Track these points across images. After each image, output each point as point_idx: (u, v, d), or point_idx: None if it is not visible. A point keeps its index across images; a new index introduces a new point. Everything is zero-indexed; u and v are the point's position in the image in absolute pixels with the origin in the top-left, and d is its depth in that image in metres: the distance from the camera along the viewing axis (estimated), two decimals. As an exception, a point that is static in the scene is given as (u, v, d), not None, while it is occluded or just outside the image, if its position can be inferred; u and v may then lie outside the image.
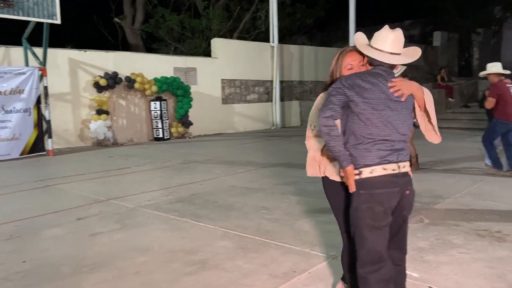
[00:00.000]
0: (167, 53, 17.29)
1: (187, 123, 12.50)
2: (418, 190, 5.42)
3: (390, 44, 2.17)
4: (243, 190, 5.75)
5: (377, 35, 2.25)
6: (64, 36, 16.02)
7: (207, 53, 15.33)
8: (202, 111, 12.93)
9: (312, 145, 2.45)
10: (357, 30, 13.92)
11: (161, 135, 12.00)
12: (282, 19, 17.51)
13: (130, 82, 11.44)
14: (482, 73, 6.60)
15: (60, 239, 3.99)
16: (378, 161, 2.11)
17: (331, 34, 28.68)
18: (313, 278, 2.99)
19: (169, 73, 12.44)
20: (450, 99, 15.62)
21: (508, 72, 6.37)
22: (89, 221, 4.52)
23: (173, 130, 12.36)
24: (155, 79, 11.95)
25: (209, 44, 15.16)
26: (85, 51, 11.22)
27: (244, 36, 18.08)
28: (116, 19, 18.86)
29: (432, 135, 2.35)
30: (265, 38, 16.14)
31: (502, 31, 26.38)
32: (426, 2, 23.58)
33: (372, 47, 2.22)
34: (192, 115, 12.48)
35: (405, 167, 2.16)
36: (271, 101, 15.44)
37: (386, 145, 2.12)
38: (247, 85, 14.72)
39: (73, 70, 10.88)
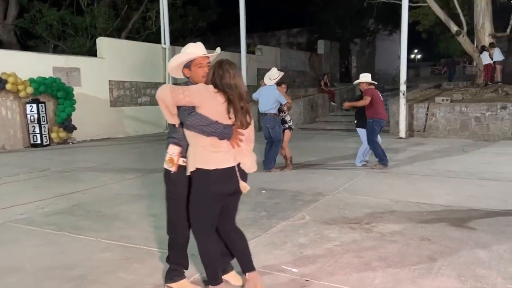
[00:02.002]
0: (46, 51, 15.83)
1: (70, 128, 11.57)
2: (302, 188, 5.81)
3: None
4: (130, 198, 5.51)
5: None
6: None
7: (92, 52, 14.40)
8: (87, 115, 12.08)
9: None
10: (248, 36, 14.38)
11: (39, 141, 10.92)
12: (173, 21, 17.26)
13: (0, 82, 10.21)
14: (355, 82, 7.43)
15: None
16: None
17: (224, 38, 29.15)
18: (200, 283, 2.99)
19: (48, 73, 11.40)
20: (332, 103, 16.96)
21: (375, 82, 7.31)
22: None
23: (53, 135, 11.35)
24: (31, 80, 10.85)
25: (94, 43, 14.26)
26: None
27: (134, 36, 17.43)
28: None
29: None
30: (157, 39, 15.72)
31: (376, 41, 29.54)
32: (311, 13, 25.32)
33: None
34: (76, 119, 11.58)
35: None
36: (164, 104, 15.07)
37: None
38: (138, 87, 14.16)
39: None
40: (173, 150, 2.65)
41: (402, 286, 2.84)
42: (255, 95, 7.18)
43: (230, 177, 2.54)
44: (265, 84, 7.17)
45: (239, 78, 2.57)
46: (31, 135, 10.96)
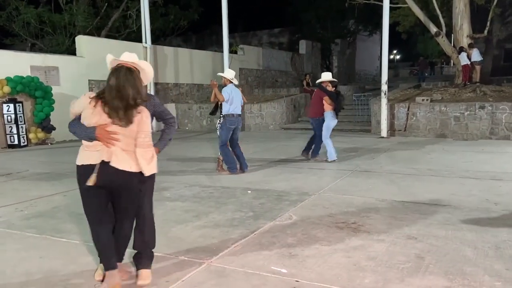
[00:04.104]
0: (23, 49, 15.41)
1: (48, 128, 11.30)
2: (287, 188, 5.80)
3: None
4: (114, 199, 5.39)
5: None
6: None
7: (71, 51, 14.10)
8: (67, 115, 11.69)
9: None
10: (229, 35, 14.31)
11: (16, 142, 10.64)
12: (155, 20, 17.06)
13: (-25, 81, 9.90)
14: (318, 80, 7.96)
15: None
16: None
17: (207, 38, 29.01)
18: (187, 285, 2.94)
19: (25, 72, 11.11)
20: (314, 102, 17.02)
21: (335, 80, 7.97)
22: None
23: (31, 135, 11.06)
24: (8, 79, 10.55)
25: (73, 42, 13.97)
26: None
27: (114, 35, 17.15)
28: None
29: None
30: (137, 38, 15.51)
31: (356, 42, 29.89)
32: (292, 13, 25.42)
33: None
34: (55, 119, 11.30)
35: None
36: (145, 103, 14.88)
37: None
38: (118, 87, 13.93)
39: None
40: None
41: (391, 285, 2.85)
42: (225, 96, 6.79)
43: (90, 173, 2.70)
44: (231, 83, 6.95)
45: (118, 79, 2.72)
46: (8, 136, 10.67)
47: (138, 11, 15.44)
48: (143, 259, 3.05)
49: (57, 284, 2.99)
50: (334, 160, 7.79)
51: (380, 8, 12.46)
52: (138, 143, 2.77)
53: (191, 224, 4.33)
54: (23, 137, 10.75)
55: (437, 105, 11.75)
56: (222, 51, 14.75)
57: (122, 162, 2.72)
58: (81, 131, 2.77)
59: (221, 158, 7.21)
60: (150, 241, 3.12)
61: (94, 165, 2.71)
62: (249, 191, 5.67)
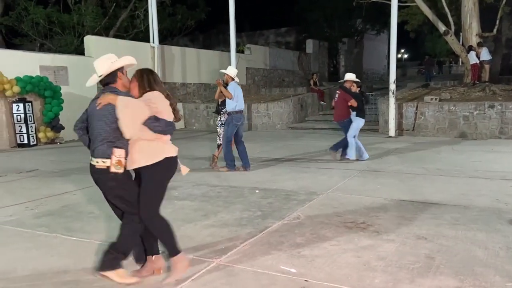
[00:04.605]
0: (32, 49, 15.55)
1: (57, 127, 11.38)
2: (295, 188, 5.79)
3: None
4: (122, 198, 5.42)
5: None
6: None
7: (79, 51, 14.19)
8: (76, 114, 11.75)
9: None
10: (236, 35, 14.32)
11: (26, 141, 10.73)
12: (162, 20, 17.12)
13: (-15, 81, 10.00)
14: (341, 81, 7.94)
15: None
16: None
17: (213, 37, 29.07)
18: (197, 284, 2.95)
19: (35, 72, 11.20)
20: (321, 102, 17.00)
21: (359, 80, 7.82)
22: None
23: (41, 135, 11.15)
24: (17, 79, 10.64)
25: (82, 42, 14.05)
26: None
27: (122, 35, 17.24)
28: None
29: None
30: (145, 38, 15.57)
31: (363, 41, 29.75)
32: (299, 12, 25.36)
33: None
34: (64, 118, 11.39)
35: (92, 161, 2.85)
36: (153, 103, 14.95)
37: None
38: (126, 87, 14.01)
39: None
40: (120, 153, 2.82)
41: (402, 286, 2.84)
42: (233, 92, 6.89)
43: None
44: (233, 81, 7.02)
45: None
46: (17, 135, 10.76)
47: (146, 11, 15.51)
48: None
49: (68, 282, 3.02)
50: (356, 160, 7.69)
51: (387, 7, 12.40)
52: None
53: (199, 223, 4.34)
54: (33, 136, 10.84)
55: (446, 104, 11.66)
56: (229, 51, 14.77)
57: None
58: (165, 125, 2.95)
59: (216, 155, 7.34)
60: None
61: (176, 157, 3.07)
62: (257, 191, 5.67)
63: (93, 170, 2.86)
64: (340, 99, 7.69)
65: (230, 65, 13.51)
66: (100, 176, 2.86)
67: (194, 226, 4.26)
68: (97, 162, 2.82)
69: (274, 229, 4.09)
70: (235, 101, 6.88)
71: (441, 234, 3.81)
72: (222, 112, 7.19)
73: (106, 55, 3.03)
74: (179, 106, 15.99)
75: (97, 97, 2.89)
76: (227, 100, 6.92)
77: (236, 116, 6.94)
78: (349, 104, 7.55)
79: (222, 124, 7.22)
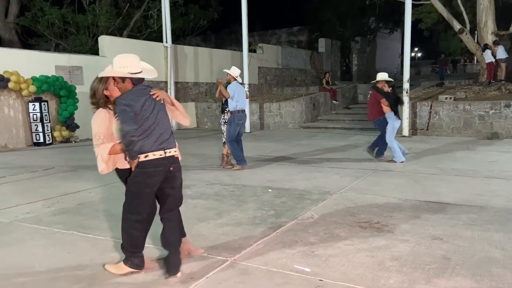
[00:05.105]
0: (47, 49, 15.78)
1: (72, 126, 11.55)
2: (309, 187, 5.78)
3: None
4: (137, 196, 5.48)
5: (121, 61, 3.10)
6: None
7: (94, 51, 14.36)
8: (90, 113, 11.94)
9: (101, 150, 3.12)
10: (248, 34, 14.33)
11: (42, 140, 10.90)
12: (175, 19, 17.22)
13: (3, 81, 10.18)
14: (373, 81, 7.80)
15: None
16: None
17: (225, 37, 29.12)
18: (211, 282, 2.96)
19: (50, 72, 11.37)
20: (334, 101, 16.92)
21: (392, 80, 7.69)
22: (-49, 242, 3.89)
23: (56, 134, 11.32)
24: (34, 78, 10.82)
25: (96, 42, 14.21)
26: None
27: (135, 34, 17.38)
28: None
29: (180, 118, 3.26)
30: (158, 38, 15.68)
31: (376, 40, 29.50)
32: (312, 11, 25.26)
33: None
34: (79, 117, 11.55)
35: (170, 152, 3.01)
36: (165, 102, 15.04)
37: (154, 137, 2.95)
38: (140, 86, 14.12)
39: None
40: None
41: (417, 286, 2.82)
42: (232, 92, 7.06)
43: None
44: (235, 81, 7.19)
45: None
46: (33, 134, 10.94)
47: (159, 11, 15.61)
48: None
49: (85, 279, 3.06)
50: (402, 161, 7.53)
51: (401, 5, 12.27)
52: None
53: (213, 222, 4.37)
54: (48, 135, 11.00)
55: (461, 103, 11.51)
56: (241, 50, 14.79)
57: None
58: None
59: (225, 154, 7.48)
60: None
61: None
62: (270, 190, 5.68)
63: (173, 159, 3.04)
64: (372, 98, 7.63)
65: (244, 64, 13.58)
66: (178, 166, 3.10)
67: (208, 224, 4.28)
68: (175, 152, 3.06)
69: (287, 228, 4.09)
70: (236, 101, 7.10)
71: (457, 235, 3.77)
72: (226, 111, 7.37)
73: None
74: (192, 105, 16.11)
75: (144, 94, 2.99)
76: (228, 99, 7.13)
77: (238, 115, 7.16)
78: (381, 103, 7.42)
79: (225, 122, 7.42)
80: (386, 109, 7.45)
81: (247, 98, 7.59)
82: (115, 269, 3.13)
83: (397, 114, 7.61)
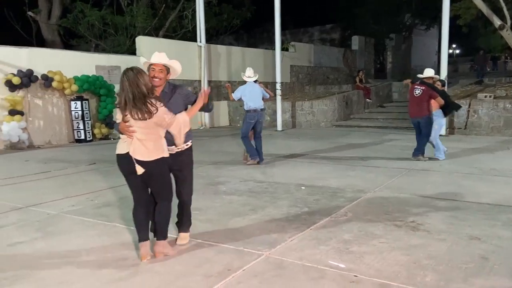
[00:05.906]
0: (87, 50, 16.41)
1: (111, 124, 11.98)
2: (342, 185, 5.79)
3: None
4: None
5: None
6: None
7: (131, 51, 14.81)
8: (127, 111, 12.43)
9: (180, 118, 3.45)
10: (281, 32, 14.37)
11: (83, 137, 11.39)
12: (209, 19, 17.47)
13: (47, 80, 10.71)
14: (420, 76, 7.56)
15: (-28, 253, 3.65)
16: None
17: (258, 36, 29.23)
18: (248, 274, 3.06)
19: (91, 72, 11.84)
20: (368, 99, 16.70)
21: (444, 79, 7.71)
22: (7, 231, 4.18)
23: (96, 131, 11.79)
24: (75, 78, 11.31)
25: (133, 42, 14.66)
26: (-5, 46, 10.29)
27: (171, 34, 17.76)
28: (30, 13, 17.51)
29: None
30: (192, 38, 15.98)
31: (412, 37, 28.80)
32: (345, 8, 24.96)
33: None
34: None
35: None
36: (199, 101, 15.32)
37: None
38: (175, 85, 14.46)
39: (-20, 67, 9.93)
40: None
41: (453, 285, 2.81)
42: (237, 94, 7.62)
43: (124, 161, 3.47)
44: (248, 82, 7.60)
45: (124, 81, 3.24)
46: (75, 131, 11.44)
47: (194, 11, 15.89)
48: (182, 225, 3.81)
49: (128, 268, 3.23)
50: (443, 159, 7.47)
51: (438, 1, 11.97)
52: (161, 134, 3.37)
53: (247, 217, 4.47)
54: (89, 132, 11.48)
55: (501, 102, 11.13)
56: (273, 49, 14.85)
57: (142, 153, 3.34)
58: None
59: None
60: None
61: (125, 154, 3.40)
62: (303, 187, 5.73)
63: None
64: (424, 95, 7.27)
65: (276, 63, 13.67)
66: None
67: (243, 220, 4.39)
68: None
69: (321, 225, 4.14)
70: (247, 101, 7.48)
71: (495, 235, 3.71)
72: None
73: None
74: (224, 103, 16.32)
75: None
76: (243, 100, 7.56)
77: (249, 114, 7.51)
78: (437, 102, 7.25)
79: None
80: (436, 106, 7.28)
81: (272, 96, 7.87)
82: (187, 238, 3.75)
83: (448, 113, 7.45)
